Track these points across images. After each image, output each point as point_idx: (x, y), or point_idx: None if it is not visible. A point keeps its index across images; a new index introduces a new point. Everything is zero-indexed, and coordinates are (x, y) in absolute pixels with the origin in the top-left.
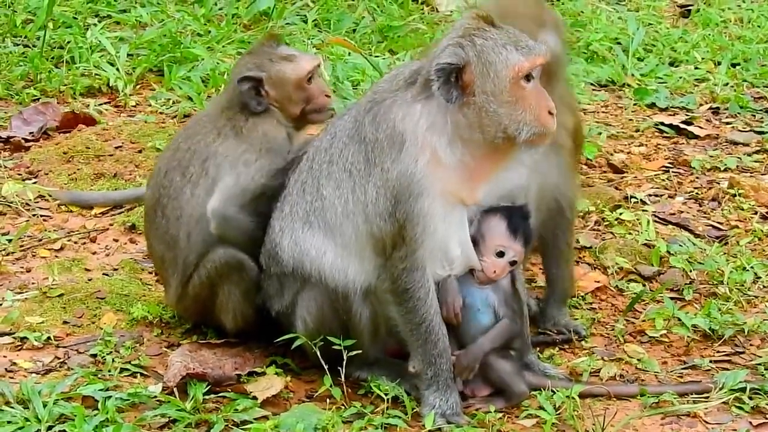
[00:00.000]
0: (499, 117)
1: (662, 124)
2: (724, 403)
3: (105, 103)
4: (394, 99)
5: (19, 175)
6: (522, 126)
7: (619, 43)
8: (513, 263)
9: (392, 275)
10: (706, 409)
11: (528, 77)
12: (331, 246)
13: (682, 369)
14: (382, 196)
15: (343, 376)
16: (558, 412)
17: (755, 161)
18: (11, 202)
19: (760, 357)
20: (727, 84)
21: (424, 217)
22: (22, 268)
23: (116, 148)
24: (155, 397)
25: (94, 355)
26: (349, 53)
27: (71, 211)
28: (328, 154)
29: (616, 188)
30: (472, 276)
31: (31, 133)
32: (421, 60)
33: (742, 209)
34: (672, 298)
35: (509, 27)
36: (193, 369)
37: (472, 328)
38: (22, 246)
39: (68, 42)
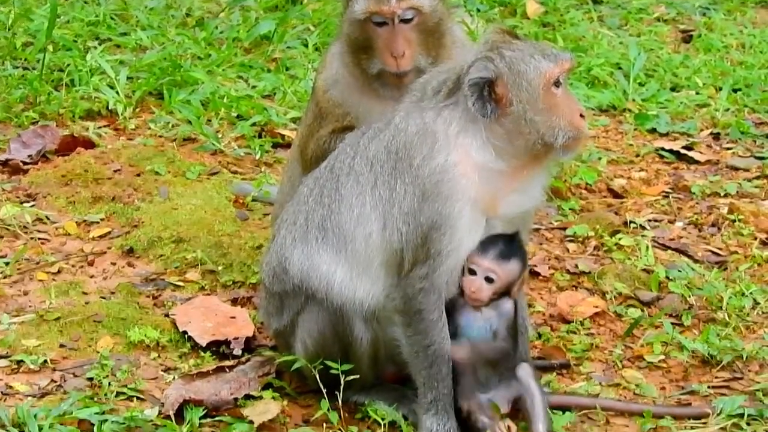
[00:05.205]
0: (536, 125)
1: (663, 149)
2: (722, 429)
3: (104, 126)
4: (423, 106)
5: (17, 198)
6: (558, 132)
7: (620, 69)
8: (489, 280)
9: (406, 295)
10: None
11: (557, 83)
12: (343, 261)
13: (681, 394)
14: (409, 194)
15: (340, 401)
16: None
17: (755, 187)
18: (9, 225)
19: (759, 383)
20: (728, 109)
21: (452, 226)
22: (20, 291)
23: (115, 171)
24: (151, 421)
25: (90, 379)
26: None
27: (69, 234)
28: (353, 149)
29: (616, 213)
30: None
31: (29, 156)
32: (447, 70)
33: (742, 235)
34: (671, 324)
35: (530, 39)
36: (190, 397)
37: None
38: (19, 269)
39: (68, 65)
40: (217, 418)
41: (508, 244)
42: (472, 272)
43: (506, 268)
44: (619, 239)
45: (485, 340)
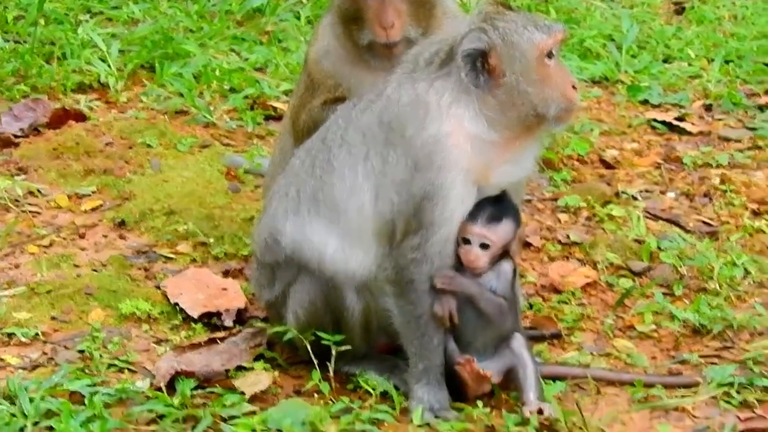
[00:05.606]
0: (529, 96)
1: (655, 120)
2: (712, 397)
3: (96, 99)
4: (415, 77)
5: (9, 171)
6: (550, 103)
7: (612, 40)
8: (485, 246)
9: (397, 265)
10: (694, 403)
11: (550, 55)
12: (335, 232)
13: (672, 364)
14: (402, 165)
15: (331, 371)
16: None
17: (747, 157)
18: (0, 198)
19: (749, 352)
20: (720, 81)
21: (444, 196)
22: (11, 264)
23: (106, 144)
24: (143, 392)
25: (81, 351)
26: None
27: (60, 207)
28: (344, 121)
29: (608, 184)
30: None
31: (21, 129)
32: (440, 41)
33: (733, 205)
34: (662, 294)
35: (523, 11)
36: (181, 369)
37: (468, 316)
38: (10, 242)
39: (59, 38)
40: (208, 390)
41: (496, 207)
42: (467, 241)
43: (498, 231)
44: (611, 210)
45: None
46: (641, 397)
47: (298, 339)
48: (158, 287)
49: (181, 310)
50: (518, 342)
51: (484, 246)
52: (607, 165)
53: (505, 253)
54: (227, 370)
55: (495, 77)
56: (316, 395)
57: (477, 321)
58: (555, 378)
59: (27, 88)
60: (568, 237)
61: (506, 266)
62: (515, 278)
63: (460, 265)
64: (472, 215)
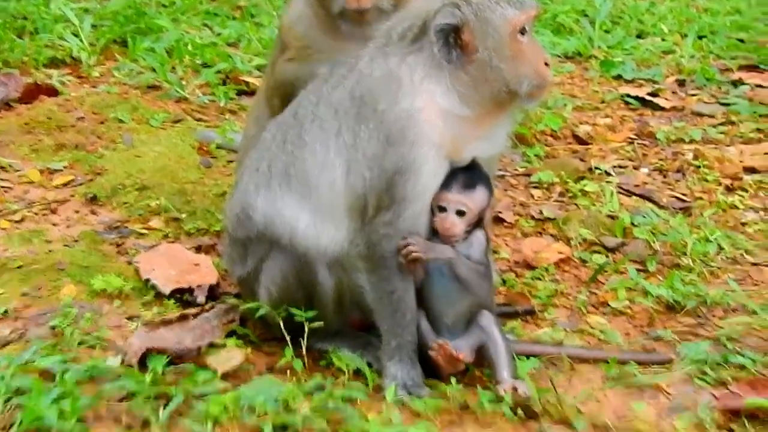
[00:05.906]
0: (501, 72)
1: (628, 95)
2: (686, 374)
3: (68, 74)
4: (387, 51)
5: None
6: (522, 79)
7: (586, 16)
8: (461, 213)
9: (369, 240)
10: (669, 380)
11: (522, 31)
12: (307, 208)
13: (645, 340)
14: (374, 139)
15: (304, 348)
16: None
17: (720, 133)
18: None
19: (723, 328)
20: (693, 56)
21: (416, 171)
22: None
23: (78, 119)
24: (114, 369)
25: (53, 327)
26: None
27: (32, 182)
28: (316, 96)
29: (581, 160)
30: (438, 238)
31: None
32: (413, 16)
33: (707, 181)
34: (635, 270)
35: None
36: (153, 346)
37: (440, 288)
38: None
39: (32, 13)
40: (180, 367)
41: (469, 174)
42: (442, 209)
43: (474, 197)
44: (584, 185)
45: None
46: (615, 374)
47: (270, 315)
48: (130, 263)
49: (153, 286)
50: (487, 319)
51: (460, 213)
52: (581, 140)
53: (478, 222)
54: (199, 347)
55: (467, 53)
56: (288, 372)
57: (450, 293)
58: (529, 355)
59: None
60: (541, 213)
61: (480, 235)
62: (488, 248)
63: (434, 237)
64: (446, 184)
